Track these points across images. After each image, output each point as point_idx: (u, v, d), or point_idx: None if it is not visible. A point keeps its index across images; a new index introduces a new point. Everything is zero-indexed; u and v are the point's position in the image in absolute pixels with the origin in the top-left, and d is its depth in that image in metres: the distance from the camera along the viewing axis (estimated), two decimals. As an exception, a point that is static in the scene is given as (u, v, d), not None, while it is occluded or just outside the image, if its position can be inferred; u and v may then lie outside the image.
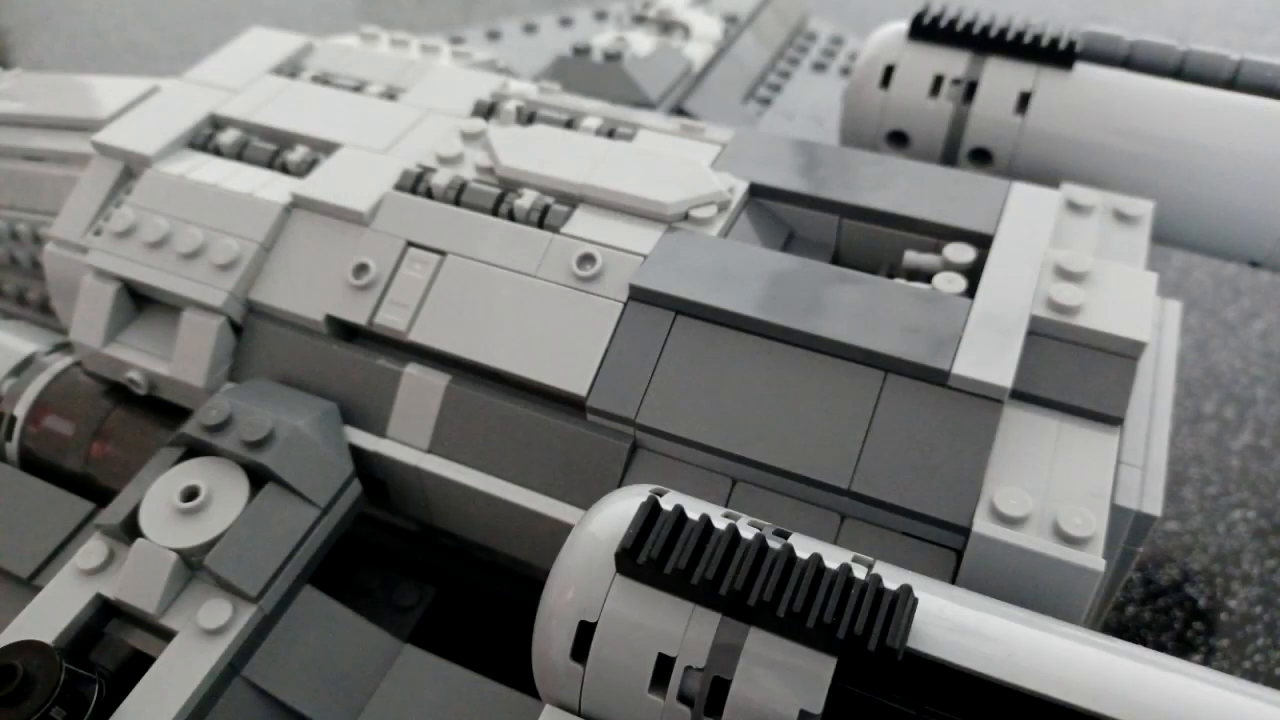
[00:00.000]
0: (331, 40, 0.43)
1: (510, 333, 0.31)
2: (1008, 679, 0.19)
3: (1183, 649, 0.44)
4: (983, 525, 0.25)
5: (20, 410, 0.36)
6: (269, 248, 0.33)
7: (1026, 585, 0.25)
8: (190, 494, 0.28)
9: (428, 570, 0.36)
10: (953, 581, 0.26)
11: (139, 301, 0.35)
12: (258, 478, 0.29)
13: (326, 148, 0.36)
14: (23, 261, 0.42)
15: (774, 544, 0.21)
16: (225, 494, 0.29)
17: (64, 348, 0.38)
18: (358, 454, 0.31)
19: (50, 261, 0.37)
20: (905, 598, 0.20)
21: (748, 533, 0.22)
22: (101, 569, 0.28)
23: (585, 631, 0.22)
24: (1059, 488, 0.26)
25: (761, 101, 0.52)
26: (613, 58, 0.45)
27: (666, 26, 0.52)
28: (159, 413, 0.35)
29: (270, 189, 0.34)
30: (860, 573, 0.21)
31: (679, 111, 0.47)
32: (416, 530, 0.36)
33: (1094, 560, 0.24)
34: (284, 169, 0.36)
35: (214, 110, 0.38)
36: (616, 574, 0.22)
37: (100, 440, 0.35)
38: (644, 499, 0.22)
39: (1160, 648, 0.43)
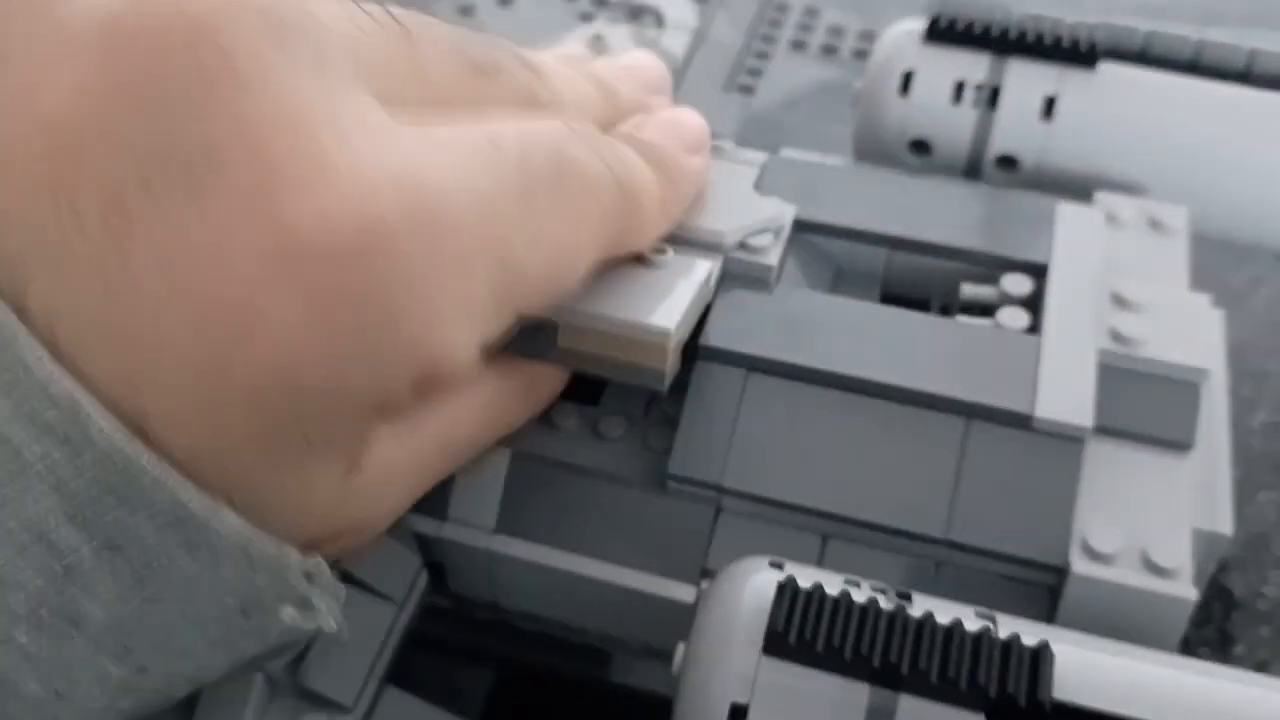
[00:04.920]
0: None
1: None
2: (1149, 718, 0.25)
3: (1225, 641, 0.52)
4: (1080, 565, 0.31)
5: None
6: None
7: (1123, 618, 0.31)
8: (263, 605, 0.32)
9: (480, 654, 0.41)
10: (1050, 616, 0.32)
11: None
12: (328, 580, 0.33)
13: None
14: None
15: (912, 611, 0.27)
16: (298, 602, 0.33)
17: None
18: (418, 540, 0.36)
19: None
20: (1046, 652, 0.26)
21: (885, 604, 0.27)
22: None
23: (738, 712, 0.27)
24: (1142, 518, 0.32)
25: (744, 90, 0.58)
26: (597, 64, 0.50)
27: (634, 11, 0.57)
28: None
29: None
30: (994, 629, 0.27)
31: (667, 115, 0.52)
32: (468, 618, 0.40)
33: (1187, 590, 0.31)
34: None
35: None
36: (762, 654, 0.27)
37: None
38: (779, 578, 0.28)
39: (1204, 642, 0.51)
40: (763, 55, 0.60)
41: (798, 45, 0.62)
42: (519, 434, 0.36)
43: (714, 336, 0.35)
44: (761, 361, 0.35)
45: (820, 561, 0.34)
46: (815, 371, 0.34)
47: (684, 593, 0.34)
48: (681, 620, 0.34)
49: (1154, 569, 0.31)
